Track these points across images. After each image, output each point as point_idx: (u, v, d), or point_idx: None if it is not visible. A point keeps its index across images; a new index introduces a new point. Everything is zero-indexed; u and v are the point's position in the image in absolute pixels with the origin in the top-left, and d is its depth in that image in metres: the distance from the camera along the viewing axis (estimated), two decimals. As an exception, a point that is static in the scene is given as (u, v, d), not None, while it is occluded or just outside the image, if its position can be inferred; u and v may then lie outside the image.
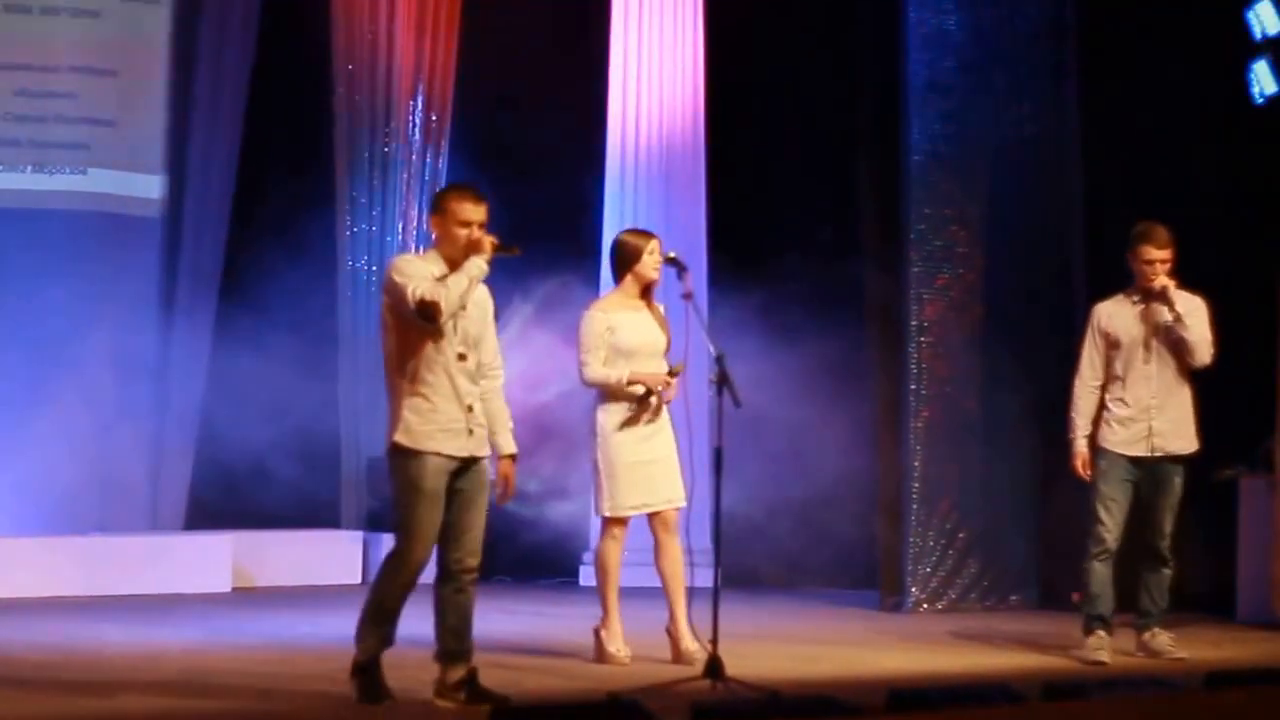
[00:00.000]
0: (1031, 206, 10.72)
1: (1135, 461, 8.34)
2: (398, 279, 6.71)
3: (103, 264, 11.62)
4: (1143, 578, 8.41)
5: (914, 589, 10.35)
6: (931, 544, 10.41)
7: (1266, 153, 10.24)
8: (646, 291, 8.14)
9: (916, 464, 10.39)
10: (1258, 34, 10.28)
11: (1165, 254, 8.32)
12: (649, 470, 7.91)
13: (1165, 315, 8.33)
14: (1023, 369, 10.37)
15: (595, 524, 11.64)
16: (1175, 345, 8.36)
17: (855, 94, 11.01)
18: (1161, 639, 8.40)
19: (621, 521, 7.99)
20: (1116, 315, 8.40)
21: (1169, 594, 8.41)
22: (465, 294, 6.71)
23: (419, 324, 6.68)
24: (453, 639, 6.87)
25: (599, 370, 7.99)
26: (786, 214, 11.72)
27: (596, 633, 8.02)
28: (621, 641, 7.95)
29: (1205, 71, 10.47)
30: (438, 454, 6.70)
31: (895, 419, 10.48)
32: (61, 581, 10.47)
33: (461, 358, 6.78)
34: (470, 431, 6.76)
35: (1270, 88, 10.23)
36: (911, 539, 10.36)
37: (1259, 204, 10.30)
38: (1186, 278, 10.13)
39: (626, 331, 8.02)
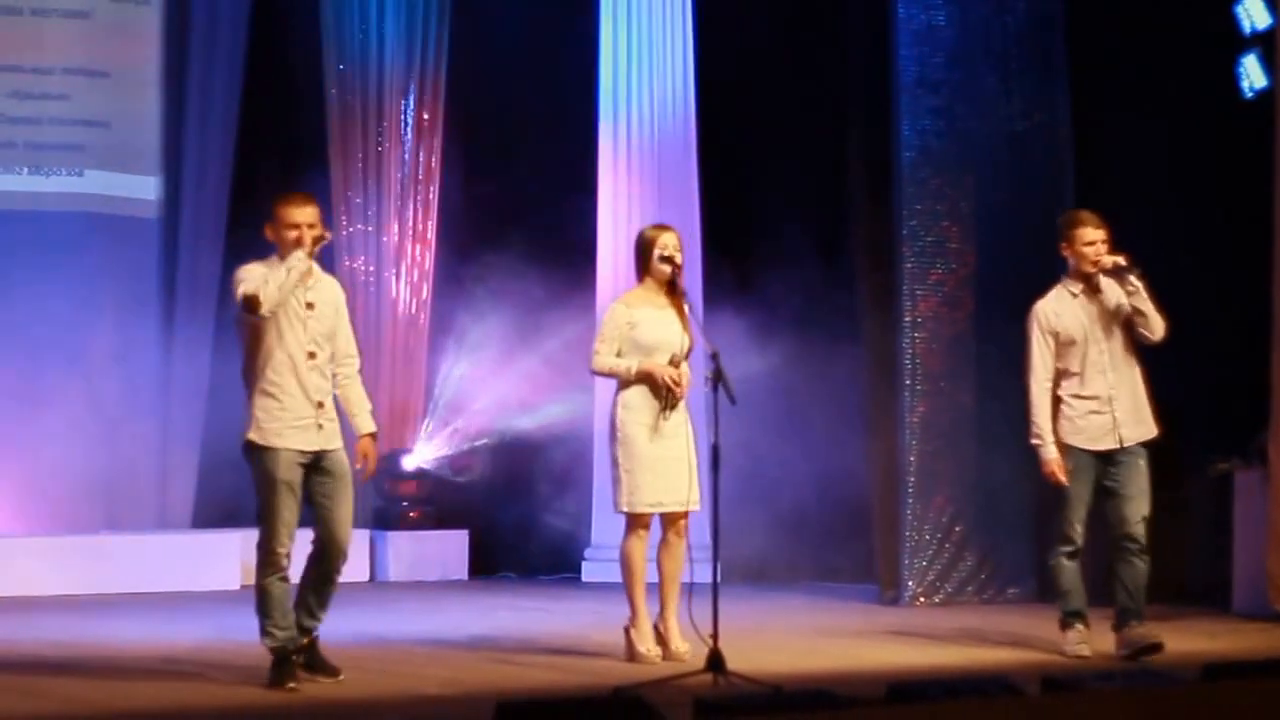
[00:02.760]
0: (1023, 201, 10.75)
1: (1101, 456, 8.20)
2: (233, 284, 7.12)
3: (101, 265, 11.66)
4: (1117, 573, 8.21)
5: (911, 583, 10.39)
6: (928, 538, 10.45)
7: (1256, 147, 10.29)
8: (673, 289, 8.01)
9: (912, 459, 10.42)
10: (1246, 28, 10.31)
11: (1103, 233, 8.21)
12: (667, 469, 7.84)
13: (1118, 297, 8.16)
14: (1016, 363, 10.39)
15: (597, 521, 11.78)
16: (1131, 323, 8.19)
17: (845, 90, 11.05)
18: (1139, 631, 8.18)
19: (644, 519, 7.93)
20: (1063, 312, 8.22)
21: (1145, 588, 8.22)
22: (286, 285, 7.06)
23: (247, 319, 7.05)
24: (307, 614, 7.21)
25: (607, 360, 7.94)
26: (779, 210, 11.76)
27: (627, 632, 7.98)
28: (651, 641, 7.91)
29: (1194, 66, 10.50)
30: (288, 449, 7.05)
31: (890, 414, 10.52)
32: (71, 580, 10.55)
33: (311, 355, 7.13)
34: (320, 426, 7.12)
35: (1260, 82, 10.26)
36: (908, 533, 10.39)
37: (1250, 197, 10.35)
38: (1178, 271, 10.22)
39: (647, 328, 7.94)
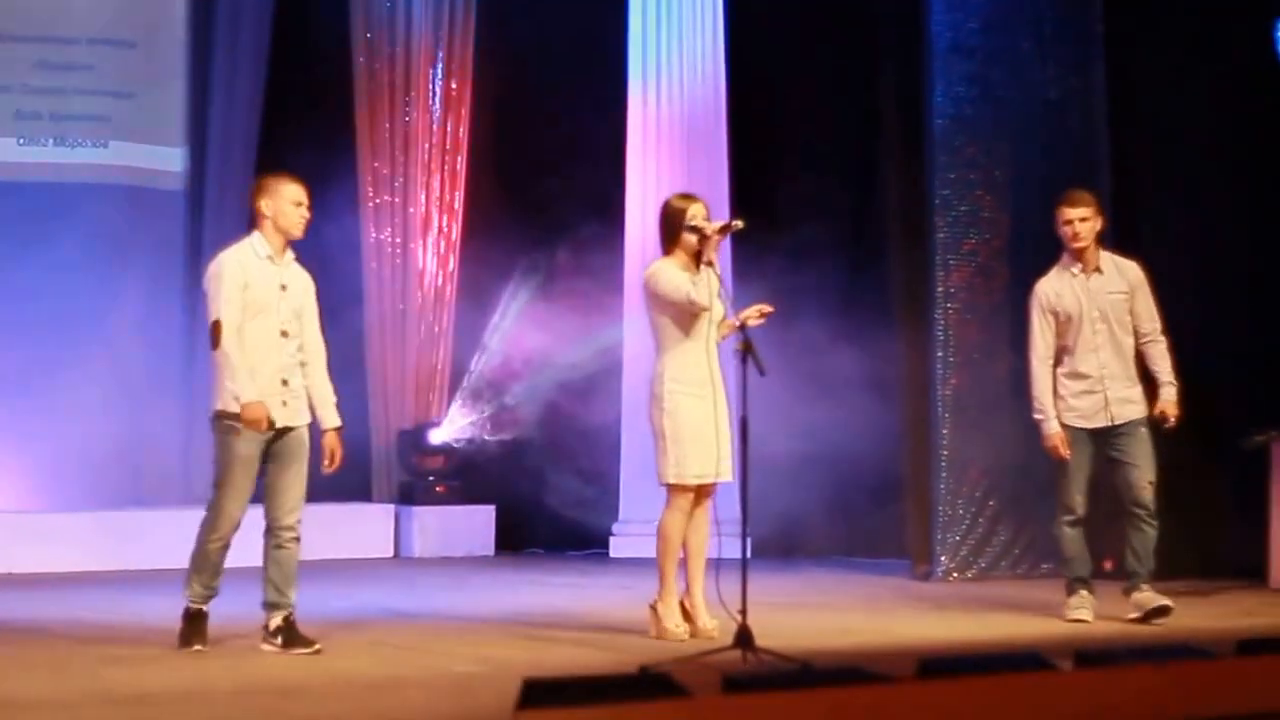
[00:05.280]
0: (1057, 169, 10.62)
1: (1096, 433, 8.39)
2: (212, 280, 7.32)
3: (127, 237, 11.64)
4: (1127, 538, 8.44)
5: (944, 558, 10.33)
6: (961, 512, 10.39)
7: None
8: (700, 257, 7.77)
9: (945, 431, 10.35)
10: (1285, -8, 10.21)
11: (1081, 211, 8.36)
12: (710, 439, 7.76)
13: (1119, 281, 8.37)
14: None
15: (626, 495, 11.73)
16: (1133, 311, 8.43)
17: (878, 57, 10.96)
18: (1147, 594, 8.40)
19: (686, 492, 7.81)
20: (1063, 292, 8.41)
21: (1154, 554, 8.42)
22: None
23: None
24: (274, 590, 7.39)
25: (684, 286, 7.69)
26: (810, 180, 11.68)
27: (653, 608, 7.89)
28: (679, 617, 7.84)
29: (1231, 30, 10.39)
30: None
31: (922, 386, 10.45)
32: (97, 556, 10.55)
33: (284, 334, 7.31)
34: (284, 403, 7.29)
35: (1296, 47, 10.16)
36: (941, 507, 10.33)
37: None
38: (1215, 239, 10.11)
39: None
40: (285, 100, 12.06)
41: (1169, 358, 8.46)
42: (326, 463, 7.44)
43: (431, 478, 11.95)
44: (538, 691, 4.81)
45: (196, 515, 11.25)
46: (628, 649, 7.41)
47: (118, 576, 10.18)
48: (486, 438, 12.09)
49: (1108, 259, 8.46)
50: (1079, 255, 8.40)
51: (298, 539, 7.39)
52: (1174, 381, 8.44)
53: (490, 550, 11.90)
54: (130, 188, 11.75)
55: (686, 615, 7.87)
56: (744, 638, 7.07)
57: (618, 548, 11.70)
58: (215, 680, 6.74)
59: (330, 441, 7.46)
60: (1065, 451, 8.35)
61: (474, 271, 12.20)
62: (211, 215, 11.90)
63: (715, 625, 7.72)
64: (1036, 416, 8.45)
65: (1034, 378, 8.46)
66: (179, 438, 11.68)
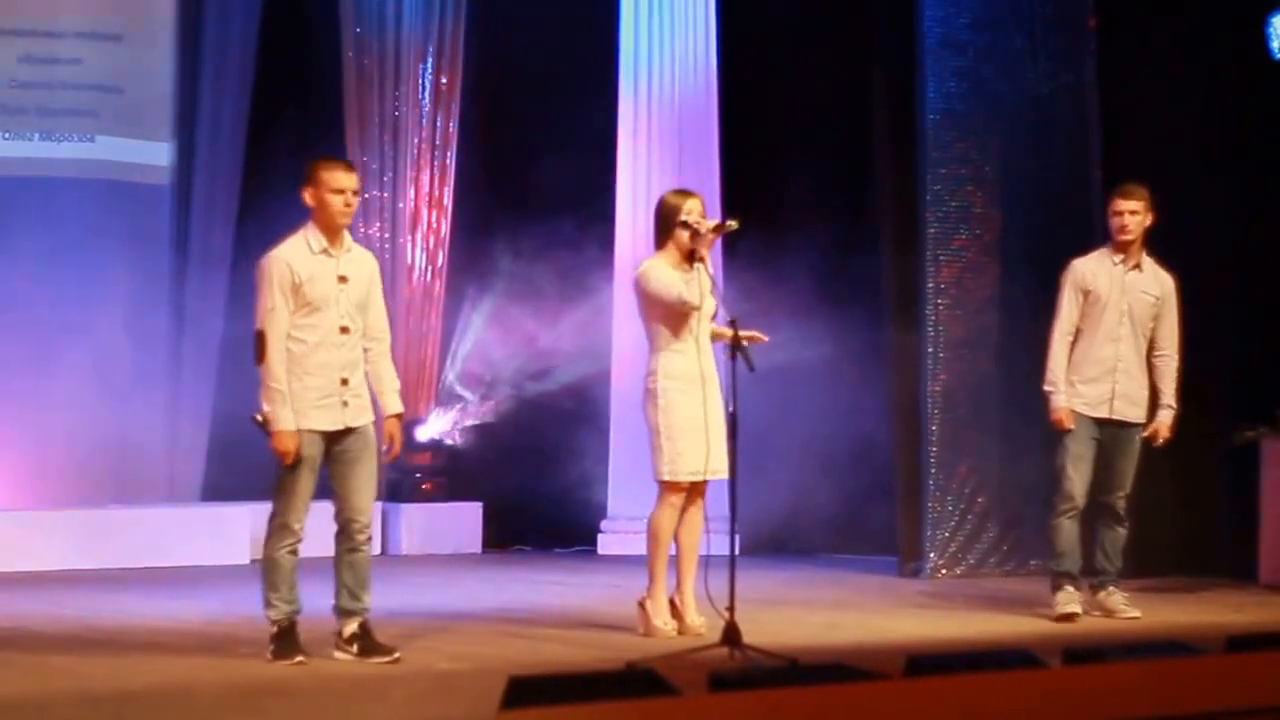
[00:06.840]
0: (1048, 165, 10.63)
1: (1098, 422, 8.42)
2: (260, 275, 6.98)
3: (113, 232, 11.57)
4: (1098, 537, 8.48)
5: (932, 554, 10.30)
6: (950, 509, 10.36)
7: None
8: (693, 254, 7.73)
9: (934, 428, 10.32)
10: (1276, -13, 10.19)
11: (1133, 205, 8.40)
12: (702, 436, 7.71)
13: (1157, 286, 8.45)
14: (1041, 330, 10.28)
15: (614, 492, 11.69)
16: (1159, 317, 8.51)
17: (870, 53, 10.92)
18: (1116, 598, 8.47)
19: (679, 488, 7.78)
20: (1099, 274, 8.46)
21: (1123, 554, 8.49)
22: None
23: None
24: (348, 596, 7.08)
25: (675, 286, 7.64)
26: (801, 174, 11.65)
27: (641, 605, 7.85)
28: (667, 614, 7.79)
29: (1223, 26, 10.37)
30: (310, 430, 6.90)
31: (912, 382, 10.42)
32: (78, 555, 10.46)
33: (345, 330, 6.96)
34: (345, 404, 6.96)
35: (1288, 42, 10.13)
36: (930, 504, 10.30)
37: (1278, 160, 10.21)
38: (1206, 236, 10.09)
39: None
40: (273, 94, 12.00)
41: (1176, 380, 8.49)
42: (384, 447, 7.11)
43: (419, 475, 11.90)
44: (523, 689, 4.78)
45: (182, 514, 11.38)
46: (614, 646, 7.39)
47: (100, 575, 10.11)
48: (474, 433, 12.05)
49: (1149, 262, 8.52)
50: (1123, 247, 8.44)
51: (370, 539, 7.10)
52: (1174, 405, 8.47)
53: (477, 547, 11.85)
54: (117, 182, 11.67)
55: (675, 612, 7.83)
56: (731, 635, 7.04)
57: (605, 545, 11.67)
58: (198, 680, 6.69)
59: (390, 428, 7.11)
60: (1070, 424, 8.35)
61: (463, 267, 12.16)
62: (198, 210, 11.83)
63: (703, 623, 7.69)
64: (1047, 388, 8.48)
65: (1052, 350, 8.48)
66: (162, 435, 11.60)
